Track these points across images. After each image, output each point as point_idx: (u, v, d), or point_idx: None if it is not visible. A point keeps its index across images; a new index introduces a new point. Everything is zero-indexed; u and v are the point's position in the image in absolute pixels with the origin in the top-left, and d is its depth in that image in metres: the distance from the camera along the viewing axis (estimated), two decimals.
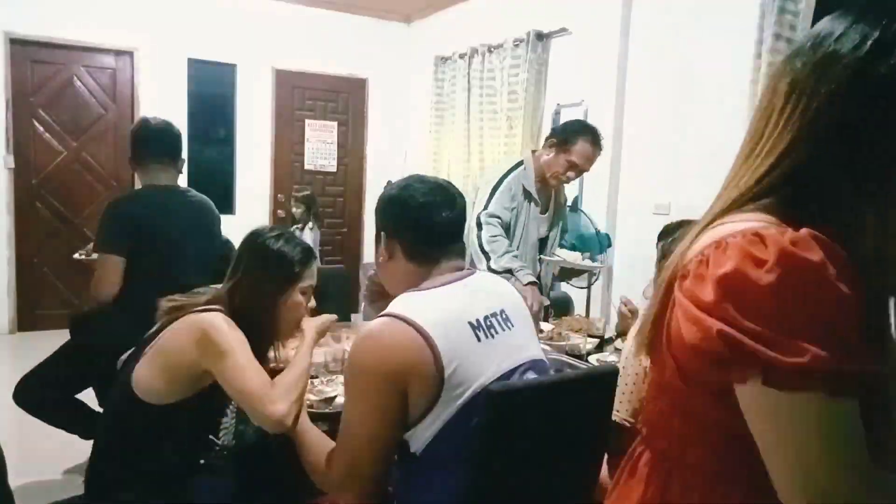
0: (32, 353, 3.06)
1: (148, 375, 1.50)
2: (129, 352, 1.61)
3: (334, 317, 1.77)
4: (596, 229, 3.74)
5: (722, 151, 3.37)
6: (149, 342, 1.54)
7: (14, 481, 1.38)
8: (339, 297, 3.09)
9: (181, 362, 1.48)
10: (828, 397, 0.62)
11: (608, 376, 1.36)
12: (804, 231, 0.66)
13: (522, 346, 1.30)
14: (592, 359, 2.21)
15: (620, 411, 1.64)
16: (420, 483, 1.21)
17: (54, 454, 2.75)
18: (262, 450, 1.79)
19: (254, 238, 1.63)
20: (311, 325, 1.69)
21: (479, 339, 1.20)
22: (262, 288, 1.57)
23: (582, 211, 3.67)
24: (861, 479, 0.64)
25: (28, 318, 4.89)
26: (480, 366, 1.18)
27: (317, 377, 1.80)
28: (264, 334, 1.60)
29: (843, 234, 0.67)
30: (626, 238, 3.79)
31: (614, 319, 3.69)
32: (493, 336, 1.23)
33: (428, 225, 1.29)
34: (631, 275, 3.76)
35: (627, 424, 1.63)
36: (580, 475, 1.35)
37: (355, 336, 1.22)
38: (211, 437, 1.81)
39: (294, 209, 5.06)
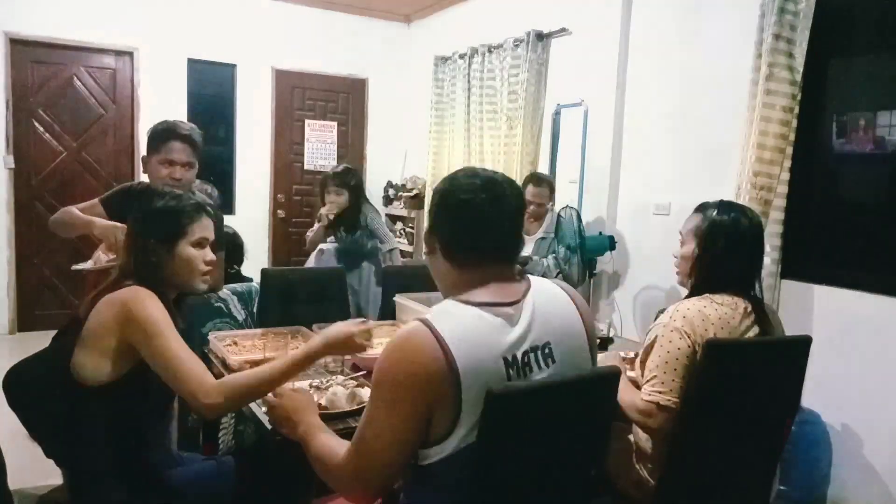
0: (32, 353, 3.05)
1: (87, 358, 1.50)
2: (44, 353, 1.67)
3: (358, 322, 1.62)
4: (600, 231, 3.75)
5: (722, 151, 3.33)
6: (76, 332, 1.53)
7: (14, 482, 1.38)
8: (339, 297, 3.09)
9: (110, 341, 1.49)
10: None
11: (608, 377, 1.35)
12: None
13: None
14: (609, 354, 2.16)
15: (665, 392, 1.62)
16: (425, 490, 1.20)
17: None
18: (262, 450, 1.79)
19: (142, 198, 1.67)
20: (325, 334, 1.58)
21: (509, 378, 1.15)
22: (152, 245, 1.59)
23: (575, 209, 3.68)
24: None
25: (28, 318, 4.88)
26: None
27: (315, 378, 1.80)
28: (165, 291, 1.60)
29: None
30: (626, 238, 3.78)
31: (614, 320, 3.69)
32: (524, 376, 1.17)
33: (463, 227, 1.22)
34: (631, 275, 3.76)
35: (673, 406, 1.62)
36: (581, 476, 1.35)
37: (389, 339, 1.17)
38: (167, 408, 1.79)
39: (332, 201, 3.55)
